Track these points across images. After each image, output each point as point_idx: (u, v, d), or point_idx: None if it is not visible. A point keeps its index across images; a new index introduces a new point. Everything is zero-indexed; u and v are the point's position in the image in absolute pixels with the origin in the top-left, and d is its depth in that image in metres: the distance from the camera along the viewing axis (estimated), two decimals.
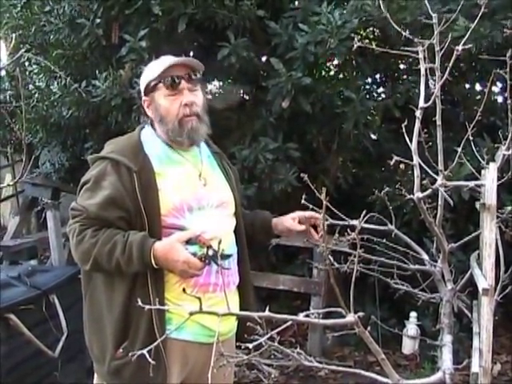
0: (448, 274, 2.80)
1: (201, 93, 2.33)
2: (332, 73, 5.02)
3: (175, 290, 2.19)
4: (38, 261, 5.52)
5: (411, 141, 2.37)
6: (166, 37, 4.38)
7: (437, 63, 2.40)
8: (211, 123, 2.37)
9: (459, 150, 2.66)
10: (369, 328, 1.68)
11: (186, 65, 2.28)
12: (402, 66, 4.85)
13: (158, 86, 2.25)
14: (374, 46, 2.77)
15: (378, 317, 3.88)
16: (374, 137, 4.82)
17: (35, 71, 5.20)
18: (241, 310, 2.31)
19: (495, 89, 4.87)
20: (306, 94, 4.21)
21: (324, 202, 1.60)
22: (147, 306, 1.61)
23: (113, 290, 2.20)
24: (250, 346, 1.55)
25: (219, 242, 1.70)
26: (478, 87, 5.07)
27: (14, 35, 4.81)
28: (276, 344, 1.66)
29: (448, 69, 2.33)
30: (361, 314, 1.61)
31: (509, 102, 2.76)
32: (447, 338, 2.59)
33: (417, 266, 3.07)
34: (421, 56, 2.42)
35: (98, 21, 4.39)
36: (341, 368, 1.95)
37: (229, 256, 2.25)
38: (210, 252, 2.08)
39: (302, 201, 2.61)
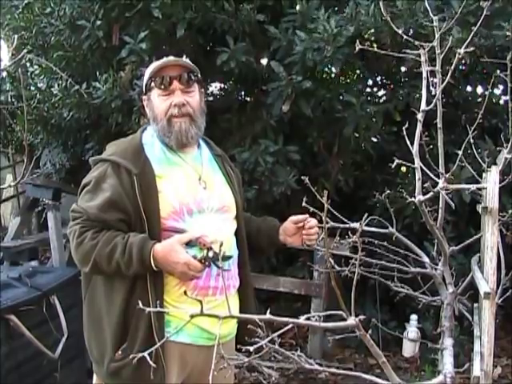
0: (449, 277, 2.80)
1: (197, 94, 2.32)
2: (332, 76, 5.01)
3: (175, 293, 2.18)
4: (39, 262, 5.50)
5: (412, 144, 2.38)
6: (166, 39, 4.39)
7: (437, 66, 2.41)
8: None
9: (460, 152, 2.66)
10: (369, 331, 1.69)
11: (180, 65, 2.28)
12: (402, 69, 4.84)
13: (151, 85, 2.28)
14: (375, 49, 2.76)
15: (379, 319, 3.89)
16: (374, 139, 4.81)
17: (36, 72, 5.21)
18: (241, 312, 2.30)
19: (497, 91, 4.87)
20: (307, 98, 4.21)
21: (325, 205, 1.60)
22: (147, 309, 1.61)
23: (112, 291, 2.20)
24: (251, 348, 1.55)
25: (221, 245, 1.69)
26: (479, 89, 5.07)
27: (15, 36, 4.81)
28: (276, 346, 1.66)
29: (450, 72, 2.33)
30: (361, 316, 1.61)
31: (510, 104, 2.76)
32: (448, 342, 2.60)
33: (417, 269, 3.08)
34: (422, 59, 2.42)
35: (99, 23, 4.38)
36: (341, 370, 1.95)
37: (229, 257, 2.24)
38: (210, 254, 2.08)
39: (303, 204, 2.61)
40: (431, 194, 2.32)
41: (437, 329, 2.83)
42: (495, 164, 2.62)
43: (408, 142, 2.44)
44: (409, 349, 3.91)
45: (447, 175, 2.30)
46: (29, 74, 5.43)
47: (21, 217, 5.50)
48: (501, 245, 2.68)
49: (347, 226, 2.88)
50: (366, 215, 1.72)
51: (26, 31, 4.93)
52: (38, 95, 4.98)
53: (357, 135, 4.53)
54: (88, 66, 4.82)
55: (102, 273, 2.18)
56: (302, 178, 2.70)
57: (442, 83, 2.39)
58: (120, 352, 2.16)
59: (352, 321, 1.60)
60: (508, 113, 2.82)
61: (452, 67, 2.34)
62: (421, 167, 2.36)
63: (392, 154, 2.80)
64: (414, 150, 2.37)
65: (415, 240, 3.28)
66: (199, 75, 2.33)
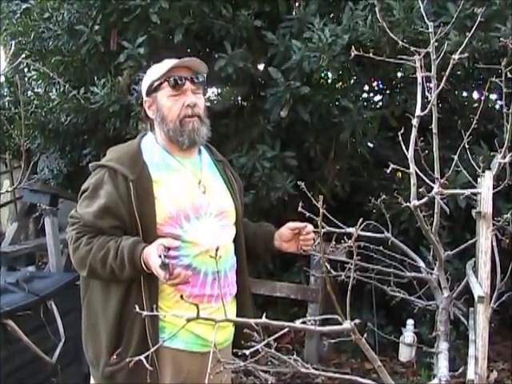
0: (444, 282, 2.81)
1: (202, 96, 2.34)
2: (329, 81, 5.03)
3: (170, 300, 2.19)
4: (36, 267, 5.51)
5: (408, 149, 2.39)
6: (164, 44, 4.39)
7: (433, 72, 2.42)
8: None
9: (456, 157, 2.67)
10: (365, 335, 1.69)
11: (191, 67, 2.28)
12: (399, 75, 4.86)
13: (161, 85, 2.25)
14: (371, 55, 2.77)
15: (375, 324, 3.89)
16: (371, 145, 4.82)
17: (34, 77, 5.22)
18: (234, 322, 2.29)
19: (493, 96, 4.89)
20: (304, 103, 4.22)
21: (321, 210, 1.61)
22: (142, 312, 1.61)
23: (108, 296, 2.21)
24: (247, 352, 1.55)
25: (216, 249, 1.69)
26: (475, 95, 5.08)
27: (13, 42, 4.82)
28: (273, 351, 1.67)
29: (444, 77, 2.34)
30: (357, 321, 1.62)
31: (505, 110, 2.77)
32: (443, 346, 2.60)
33: (413, 274, 3.08)
34: (417, 65, 2.44)
35: (97, 27, 4.40)
36: (337, 375, 1.95)
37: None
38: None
39: (299, 209, 2.61)
40: (426, 198, 2.33)
41: (433, 333, 2.84)
42: (490, 169, 2.63)
43: (404, 148, 2.45)
44: (405, 353, 3.92)
45: (442, 180, 2.31)
46: (26, 79, 5.45)
47: (18, 222, 5.49)
48: (496, 249, 2.69)
49: (343, 230, 2.89)
50: (361, 220, 1.73)
51: (24, 36, 4.93)
52: (35, 100, 5.00)
53: (353, 140, 4.54)
54: (86, 71, 4.83)
55: (99, 277, 2.20)
56: (298, 183, 2.71)
57: (438, 88, 2.40)
58: (115, 356, 2.18)
59: (348, 325, 1.60)
60: (503, 118, 2.83)
61: (447, 73, 2.36)
62: (416, 172, 2.37)
63: (388, 160, 2.81)
64: (410, 155, 2.37)
65: (411, 245, 3.29)
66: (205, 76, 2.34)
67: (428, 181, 2.45)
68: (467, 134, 2.71)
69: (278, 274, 5.04)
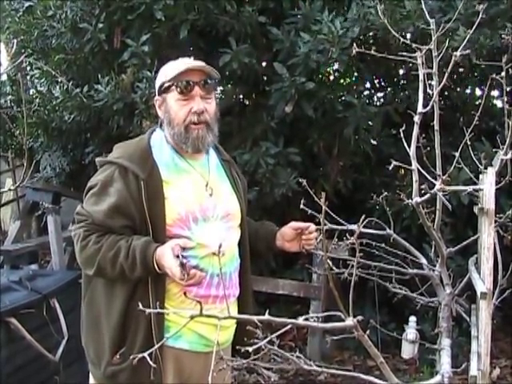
0: (446, 278, 2.82)
1: (214, 101, 2.28)
2: (333, 77, 5.03)
3: (175, 300, 2.18)
4: (39, 265, 5.52)
5: (410, 146, 2.39)
6: (168, 42, 4.39)
7: (434, 69, 2.42)
8: None
9: (457, 154, 2.67)
10: (368, 332, 1.69)
11: (202, 71, 2.23)
12: (401, 72, 4.86)
13: (171, 88, 2.21)
14: (373, 52, 2.77)
15: (378, 321, 3.89)
16: (374, 142, 4.82)
17: (37, 76, 5.21)
18: (238, 320, 2.28)
19: (495, 93, 4.89)
20: (309, 99, 4.22)
21: (323, 207, 1.61)
22: (147, 310, 1.61)
23: (113, 295, 2.19)
24: (250, 349, 1.56)
25: (219, 246, 1.68)
26: (477, 92, 5.08)
27: (15, 40, 4.81)
28: (276, 348, 1.67)
29: (446, 74, 2.35)
30: (360, 318, 1.62)
31: (506, 106, 2.77)
32: (446, 342, 2.61)
33: (416, 271, 3.09)
34: (419, 62, 2.44)
35: (101, 25, 4.39)
36: (340, 372, 1.96)
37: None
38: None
39: (301, 206, 2.61)
40: (428, 195, 2.34)
41: (435, 330, 2.85)
42: (492, 166, 2.63)
43: (406, 145, 2.45)
44: (408, 350, 3.91)
45: (444, 177, 2.31)
46: (29, 77, 5.45)
47: (21, 220, 5.51)
48: (498, 246, 2.69)
49: (345, 227, 2.90)
50: (364, 217, 1.73)
51: (26, 34, 4.92)
52: (38, 99, 4.98)
53: (356, 137, 4.54)
54: (89, 69, 4.82)
55: (106, 276, 2.17)
56: (300, 180, 2.71)
57: (439, 85, 2.40)
58: (118, 356, 2.17)
59: (350, 322, 1.61)
60: (505, 115, 2.83)
61: (448, 69, 2.36)
62: (418, 169, 2.37)
63: (391, 156, 2.81)
64: (412, 152, 2.38)
65: (414, 242, 3.29)
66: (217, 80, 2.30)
67: (430, 178, 2.46)
68: (469, 130, 2.72)
69: (281, 271, 5.04)
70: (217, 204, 2.27)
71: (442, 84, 2.37)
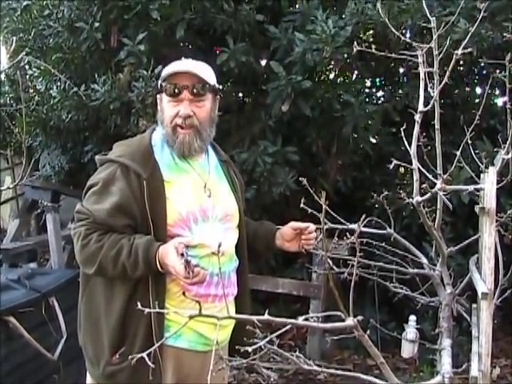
0: (447, 278, 2.81)
1: (208, 104, 2.24)
2: (331, 76, 5.02)
3: (176, 299, 2.17)
4: (38, 263, 5.51)
5: (410, 144, 2.38)
6: (164, 41, 4.39)
7: (435, 67, 2.41)
8: None
9: (458, 153, 2.66)
10: (368, 331, 1.68)
11: (193, 74, 2.18)
12: (401, 70, 4.85)
13: (163, 88, 2.20)
14: (373, 50, 2.76)
15: (378, 320, 3.88)
16: (373, 140, 4.81)
17: (35, 74, 5.21)
18: (236, 320, 2.28)
19: (496, 92, 4.88)
20: (306, 98, 4.21)
21: (323, 206, 1.60)
22: (147, 310, 1.60)
23: (112, 294, 2.18)
24: (250, 349, 1.55)
25: (219, 245, 1.67)
26: (478, 90, 5.07)
27: (13, 39, 4.81)
28: (275, 347, 1.66)
29: (447, 73, 2.33)
30: (360, 317, 1.61)
31: (508, 105, 2.76)
32: (446, 342, 2.60)
33: (416, 270, 3.08)
34: (420, 60, 2.43)
35: (97, 24, 4.38)
36: (340, 371, 1.95)
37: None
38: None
39: (301, 205, 2.60)
40: (429, 194, 2.33)
41: (435, 329, 2.84)
42: (493, 165, 2.62)
43: (406, 143, 2.44)
44: (408, 350, 3.90)
45: (445, 176, 2.30)
46: (27, 76, 5.44)
47: (20, 219, 5.50)
48: (499, 245, 2.68)
49: (345, 227, 2.89)
50: (364, 216, 1.72)
51: (24, 33, 4.93)
52: (36, 97, 4.99)
53: (355, 136, 4.53)
54: (86, 68, 4.82)
55: (107, 275, 2.15)
56: (301, 179, 2.69)
57: (440, 84, 2.39)
58: (117, 356, 2.16)
59: (350, 321, 1.60)
60: (506, 113, 2.82)
61: (449, 68, 2.35)
62: (419, 168, 2.36)
63: (390, 155, 2.80)
64: (412, 150, 2.37)
65: (414, 241, 3.29)
66: (215, 84, 2.26)
67: (431, 176, 2.45)
68: (470, 129, 2.71)
69: (280, 270, 5.04)
70: (215, 205, 2.26)
71: (443, 82, 2.36)
